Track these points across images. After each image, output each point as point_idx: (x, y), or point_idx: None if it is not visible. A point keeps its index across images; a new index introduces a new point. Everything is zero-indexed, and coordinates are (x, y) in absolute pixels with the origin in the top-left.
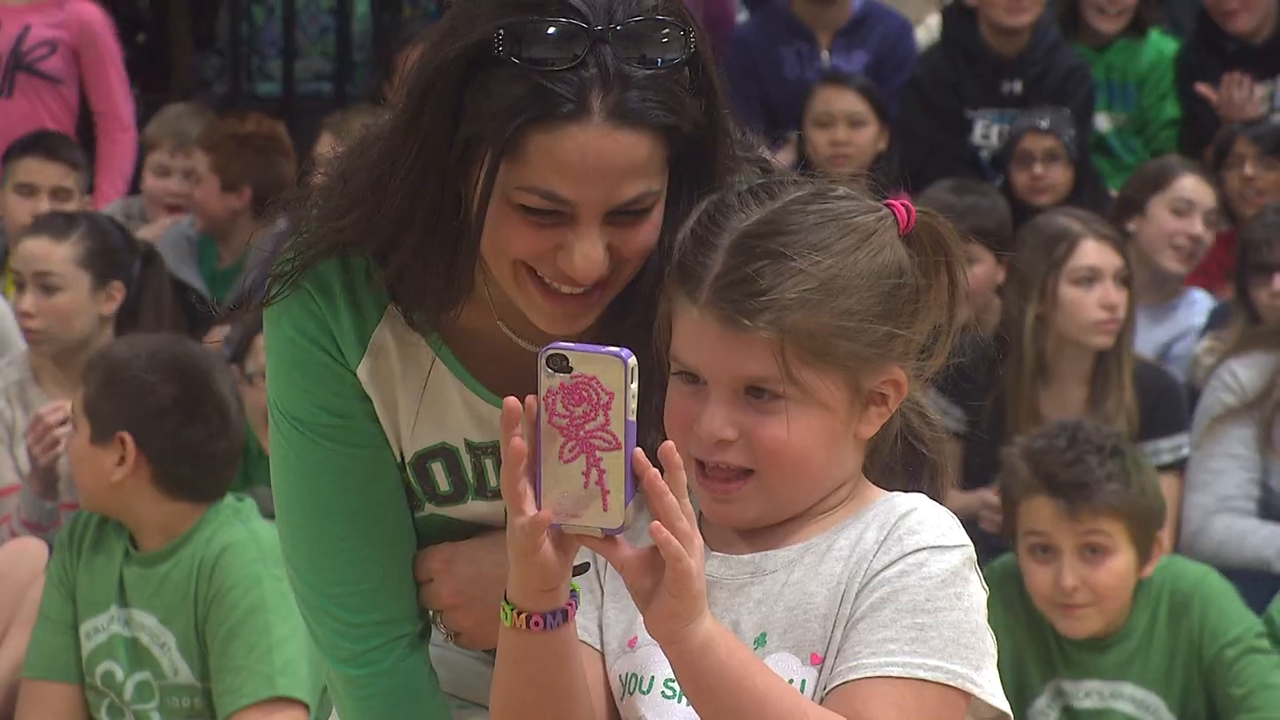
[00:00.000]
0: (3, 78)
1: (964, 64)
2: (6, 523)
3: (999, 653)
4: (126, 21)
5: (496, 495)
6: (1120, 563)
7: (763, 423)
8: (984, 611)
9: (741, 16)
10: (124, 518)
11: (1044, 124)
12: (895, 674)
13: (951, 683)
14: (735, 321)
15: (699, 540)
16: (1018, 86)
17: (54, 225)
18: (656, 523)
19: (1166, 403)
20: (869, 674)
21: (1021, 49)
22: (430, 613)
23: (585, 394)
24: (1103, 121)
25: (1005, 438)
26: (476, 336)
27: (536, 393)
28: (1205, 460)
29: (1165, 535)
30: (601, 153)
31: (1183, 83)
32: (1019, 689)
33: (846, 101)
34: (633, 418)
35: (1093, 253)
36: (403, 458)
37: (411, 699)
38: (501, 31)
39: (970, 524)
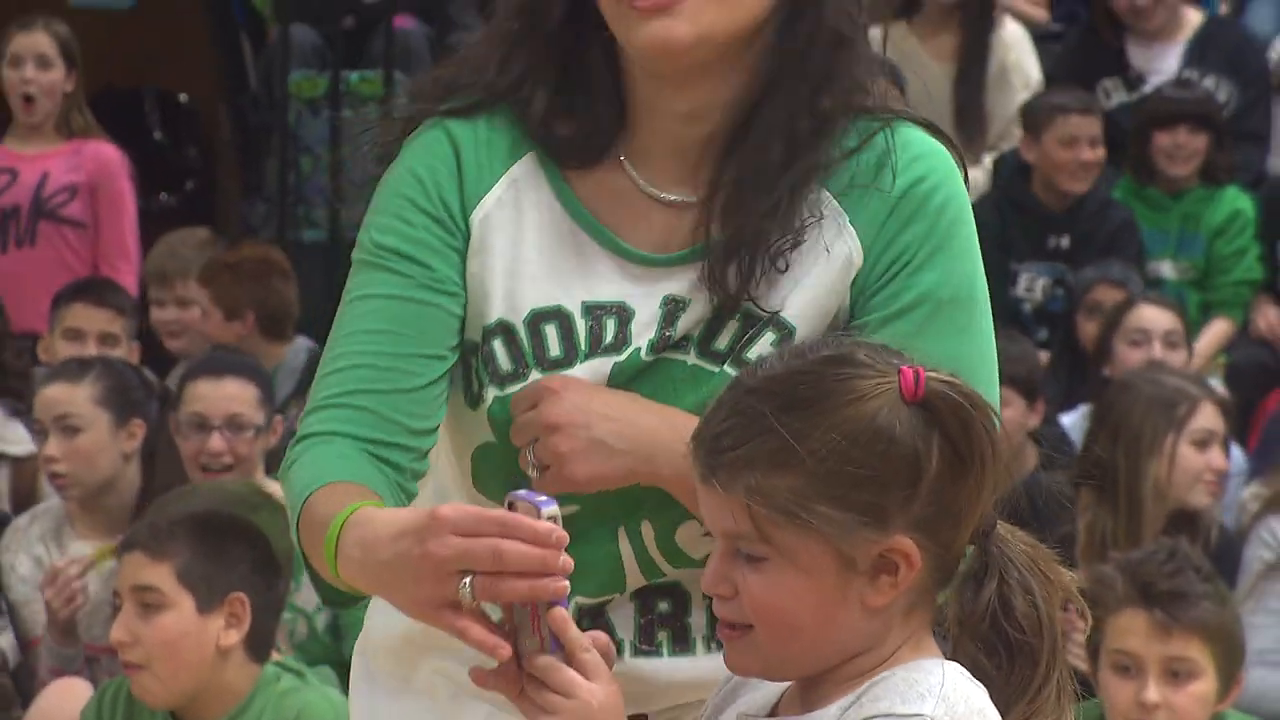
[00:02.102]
0: (25, 227)
1: (1014, 217)
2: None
3: None
4: (175, 169)
5: (605, 353)
6: (1203, 688)
7: (749, 580)
8: None
9: None
10: (199, 694)
11: (1117, 275)
12: None
13: None
14: (705, 478)
15: (570, 710)
16: (1065, 241)
17: (69, 370)
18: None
19: (1225, 556)
20: None
21: (1072, 205)
22: (520, 454)
23: None
24: (1167, 269)
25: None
26: (601, 190)
27: None
28: (1245, 615)
29: (1244, 675)
30: None
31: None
32: None
33: None
34: None
35: (1210, 416)
36: (510, 317)
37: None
38: None
39: None
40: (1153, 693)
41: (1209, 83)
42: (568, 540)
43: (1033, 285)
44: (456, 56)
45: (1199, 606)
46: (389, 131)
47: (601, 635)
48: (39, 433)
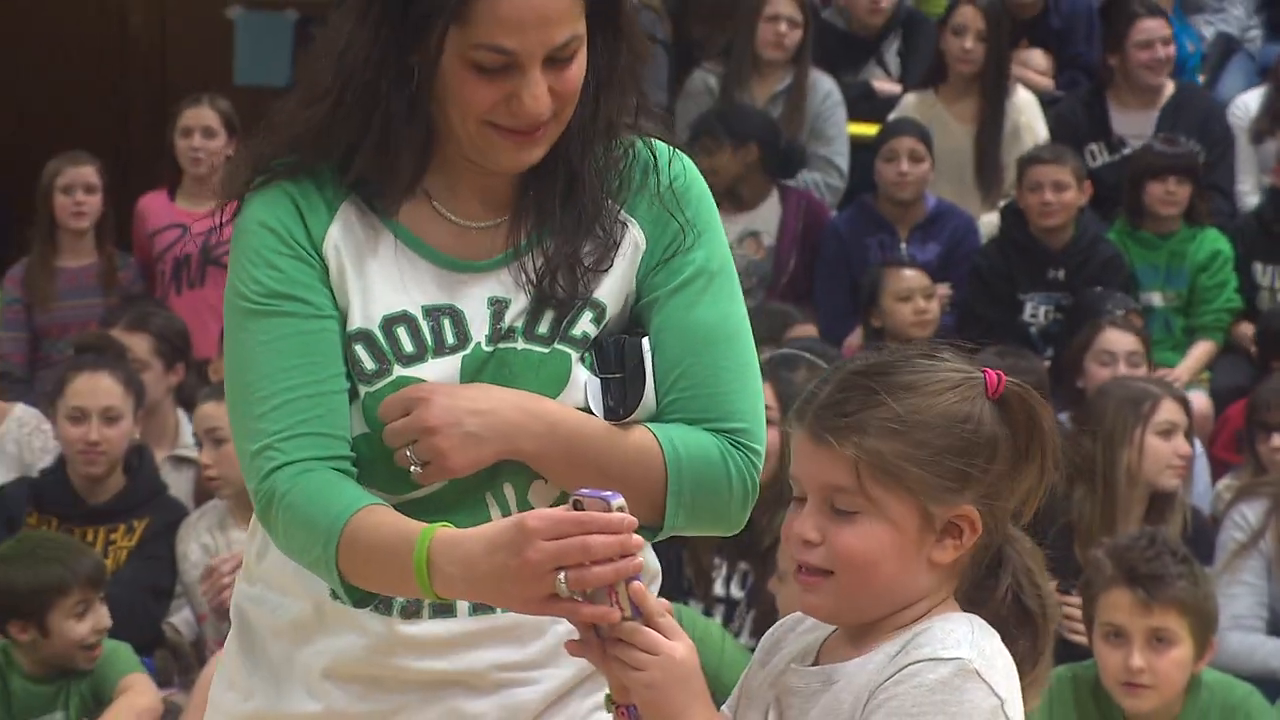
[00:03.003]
0: (196, 272)
1: (1016, 255)
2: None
3: None
4: None
5: (452, 351)
6: (1180, 653)
7: (841, 531)
8: (990, 716)
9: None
10: None
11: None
12: None
13: None
14: (823, 438)
15: (657, 665)
16: (1061, 274)
17: (217, 390)
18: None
19: (1200, 538)
20: None
21: (1066, 243)
22: (396, 452)
23: None
24: (1156, 299)
25: (1072, 558)
26: (417, 216)
27: None
28: (1223, 587)
29: (1217, 639)
30: (533, 6)
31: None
32: None
33: (920, 279)
34: None
35: (1171, 410)
36: (366, 325)
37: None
38: None
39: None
40: (1137, 659)
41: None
42: (637, 523)
43: (1037, 311)
44: (274, 124)
45: (1175, 585)
46: (234, 194)
47: (667, 602)
48: (199, 443)
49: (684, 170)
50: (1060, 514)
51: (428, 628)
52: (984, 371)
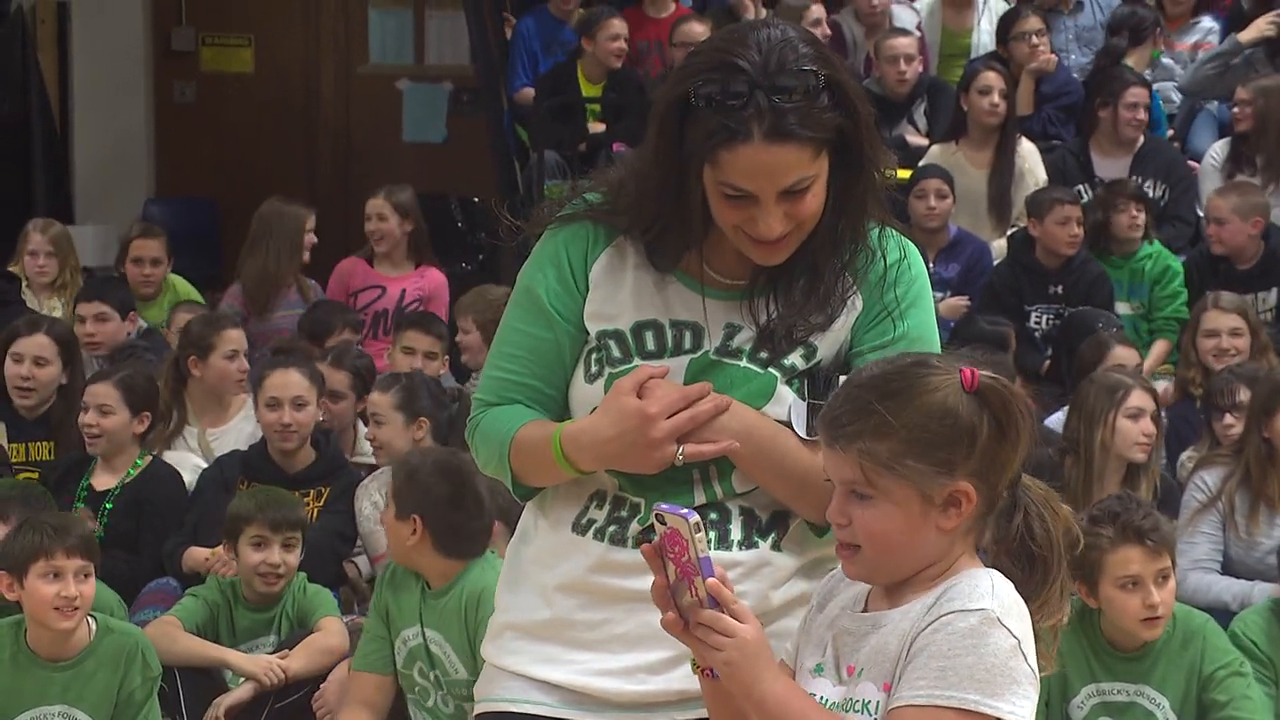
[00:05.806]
0: (391, 323)
1: (1023, 273)
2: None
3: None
4: (471, 247)
5: (686, 354)
6: (1173, 584)
7: (859, 514)
8: (1010, 654)
9: None
10: (415, 568)
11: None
12: (920, 702)
13: (963, 706)
14: (832, 444)
15: (733, 645)
16: (1060, 289)
17: (383, 383)
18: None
19: (1169, 499)
20: (904, 703)
21: (1063, 264)
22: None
23: (676, 539)
24: (1124, 308)
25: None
26: (685, 262)
27: (655, 538)
28: (1186, 536)
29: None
30: (763, 161)
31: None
32: (1064, 689)
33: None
34: (703, 554)
35: (1140, 398)
36: (620, 326)
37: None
38: (696, 88)
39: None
40: (1156, 595)
41: (1149, 185)
42: (730, 401)
43: (1040, 319)
44: (608, 181)
45: (1164, 529)
46: (549, 215)
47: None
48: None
49: (904, 256)
50: (1055, 479)
51: (630, 554)
52: (961, 370)
